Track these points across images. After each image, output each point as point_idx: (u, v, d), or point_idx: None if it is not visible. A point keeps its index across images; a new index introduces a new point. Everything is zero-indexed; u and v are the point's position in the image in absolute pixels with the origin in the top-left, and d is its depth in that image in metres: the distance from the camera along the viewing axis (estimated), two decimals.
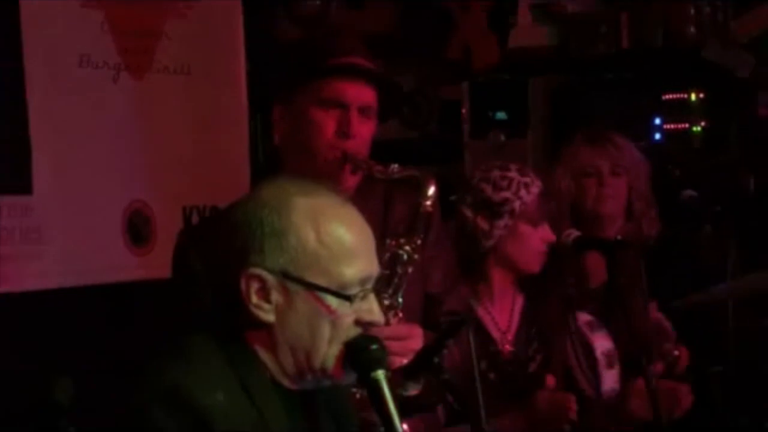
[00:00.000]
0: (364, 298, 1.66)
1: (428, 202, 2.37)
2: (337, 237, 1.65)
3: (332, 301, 1.63)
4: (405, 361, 2.18)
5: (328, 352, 1.63)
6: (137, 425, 1.59)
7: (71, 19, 3.82)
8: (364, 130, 2.41)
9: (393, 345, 2.06)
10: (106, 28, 3.92)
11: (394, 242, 2.22)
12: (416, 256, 2.33)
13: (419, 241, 2.31)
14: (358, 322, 1.63)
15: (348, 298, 1.64)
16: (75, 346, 3.58)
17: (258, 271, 1.63)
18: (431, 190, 2.35)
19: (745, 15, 4.21)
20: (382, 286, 2.06)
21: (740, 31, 4.13)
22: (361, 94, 2.42)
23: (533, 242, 2.86)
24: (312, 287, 1.64)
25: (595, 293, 3.23)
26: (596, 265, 3.23)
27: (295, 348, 1.66)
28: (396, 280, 2.19)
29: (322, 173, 2.13)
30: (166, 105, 4.14)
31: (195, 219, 4.05)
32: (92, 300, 3.72)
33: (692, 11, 4.17)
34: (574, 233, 2.88)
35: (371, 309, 1.66)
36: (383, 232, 2.30)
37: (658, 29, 4.22)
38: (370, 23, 4.70)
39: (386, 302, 2.13)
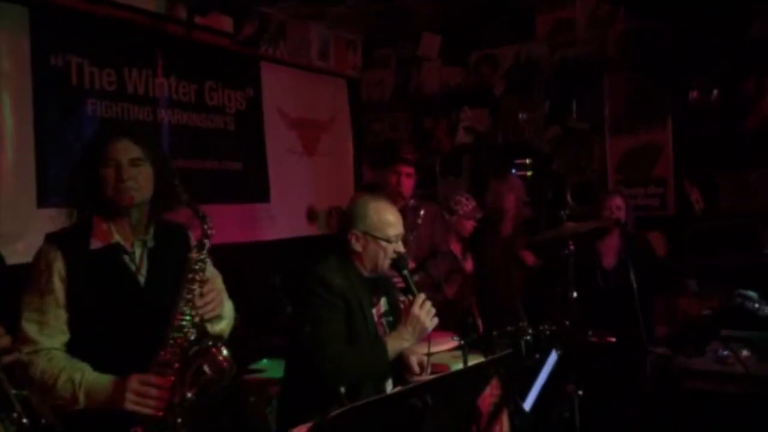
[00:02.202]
0: (396, 241, 2.54)
1: (419, 220, 3.98)
2: (386, 218, 2.56)
3: (384, 243, 2.52)
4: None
5: (384, 262, 2.57)
6: (310, 291, 2.48)
7: (283, 132, 5.87)
8: (409, 183, 4.11)
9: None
10: (297, 137, 6.01)
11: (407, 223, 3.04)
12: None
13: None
14: (395, 251, 2.55)
15: (390, 242, 2.52)
16: (287, 262, 4.61)
17: (356, 230, 2.49)
18: (422, 211, 4.01)
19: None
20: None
21: (547, 136, 5.83)
22: (408, 169, 4.11)
23: (467, 225, 4.56)
24: (376, 238, 2.52)
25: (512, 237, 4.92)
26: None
27: (370, 260, 2.57)
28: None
29: (389, 197, 3.03)
30: (321, 167, 6.23)
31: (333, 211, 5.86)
32: (293, 244, 5.73)
33: (526, 127, 5.84)
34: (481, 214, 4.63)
35: (400, 246, 2.57)
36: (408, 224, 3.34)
37: (521, 135, 5.95)
38: (401, 135, 6.69)
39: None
